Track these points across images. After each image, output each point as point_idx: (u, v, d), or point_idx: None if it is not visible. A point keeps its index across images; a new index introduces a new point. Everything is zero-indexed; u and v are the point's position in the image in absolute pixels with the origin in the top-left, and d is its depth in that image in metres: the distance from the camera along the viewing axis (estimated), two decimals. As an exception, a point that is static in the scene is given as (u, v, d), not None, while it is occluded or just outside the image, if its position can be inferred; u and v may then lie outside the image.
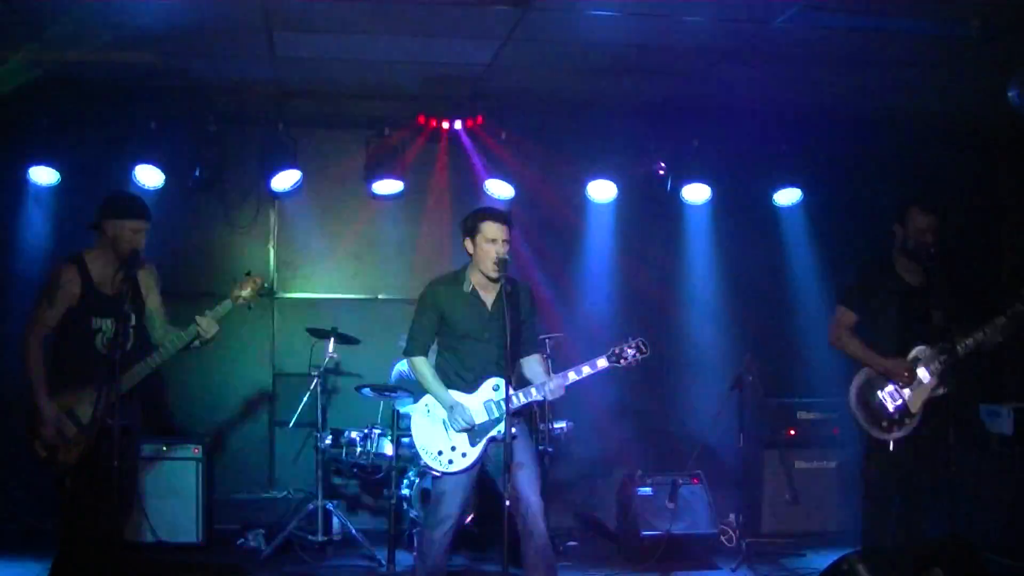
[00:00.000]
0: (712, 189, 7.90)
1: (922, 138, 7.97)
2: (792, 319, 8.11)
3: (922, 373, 5.57)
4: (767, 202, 8.02)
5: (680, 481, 6.88)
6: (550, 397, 5.12)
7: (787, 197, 7.98)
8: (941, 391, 5.55)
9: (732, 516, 7.12)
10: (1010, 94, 5.80)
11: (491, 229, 5.06)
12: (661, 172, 7.89)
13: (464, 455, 5.11)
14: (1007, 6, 5.55)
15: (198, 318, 5.26)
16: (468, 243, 5.13)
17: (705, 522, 6.83)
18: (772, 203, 8.02)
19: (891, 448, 5.55)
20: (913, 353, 5.61)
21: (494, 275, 5.04)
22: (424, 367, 5.19)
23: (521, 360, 5.27)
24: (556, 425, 6.86)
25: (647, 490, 6.88)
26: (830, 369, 6.35)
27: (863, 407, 5.66)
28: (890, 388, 5.61)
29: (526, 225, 7.86)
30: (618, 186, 7.87)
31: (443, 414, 5.14)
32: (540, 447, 6.59)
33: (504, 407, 4.94)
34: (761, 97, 7.47)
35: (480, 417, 5.11)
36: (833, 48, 6.32)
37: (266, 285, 5.71)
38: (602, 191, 7.88)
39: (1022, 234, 8.28)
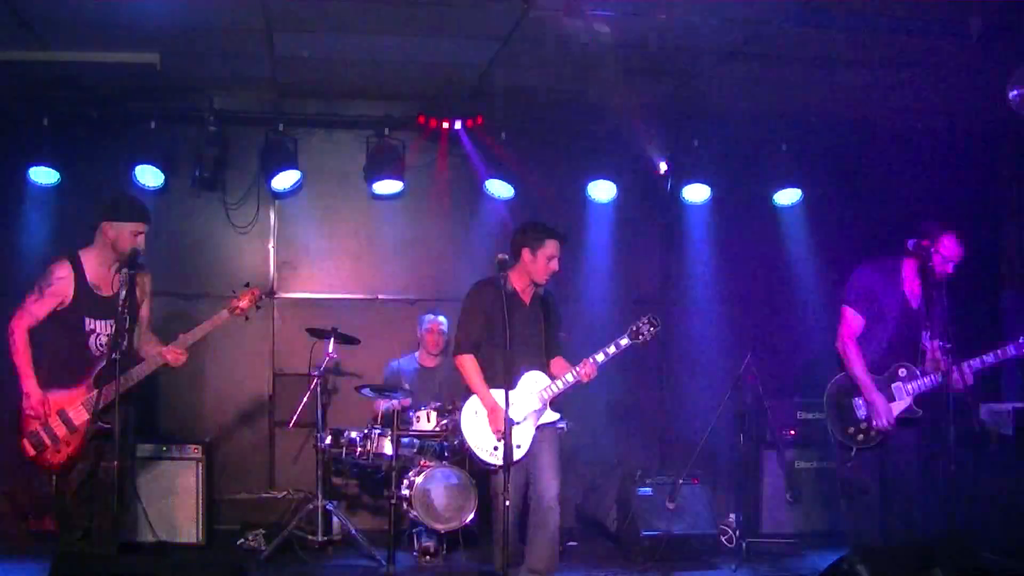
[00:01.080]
0: (712, 189, 7.90)
1: (922, 138, 7.97)
2: (792, 319, 8.11)
3: (900, 391, 5.60)
4: (767, 202, 8.01)
5: (680, 481, 6.88)
6: (585, 380, 5.59)
7: (787, 197, 7.98)
8: (915, 414, 5.58)
9: (732, 516, 7.13)
10: (1010, 94, 5.80)
11: (553, 247, 5.58)
12: (661, 172, 7.89)
13: (519, 447, 5.49)
14: (1007, 6, 5.56)
15: (165, 350, 5.34)
16: (527, 252, 5.59)
17: (705, 522, 6.83)
18: (772, 203, 8.02)
19: (852, 454, 5.60)
20: (897, 369, 5.63)
21: (543, 283, 5.65)
22: (472, 366, 5.58)
23: (550, 360, 5.75)
24: (556, 425, 6.84)
25: (647, 490, 6.88)
26: (830, 369, 6.34)
27: (834, 409, 5.70)
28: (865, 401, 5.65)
29: (526, 225, 7.88)
30: (618, 186, 7.87)
31: None
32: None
33: (547, 395, 5.57)
34: (761, 97, 7.46)
35: (525, 409, 5.53)
36: (833, 48, 6.32)
37: (263, 296, 5.79)
38: (602, 191, 7.88)
39: (1022, 234, 8.28)
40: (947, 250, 5.53)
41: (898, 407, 5.57)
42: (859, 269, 5.77)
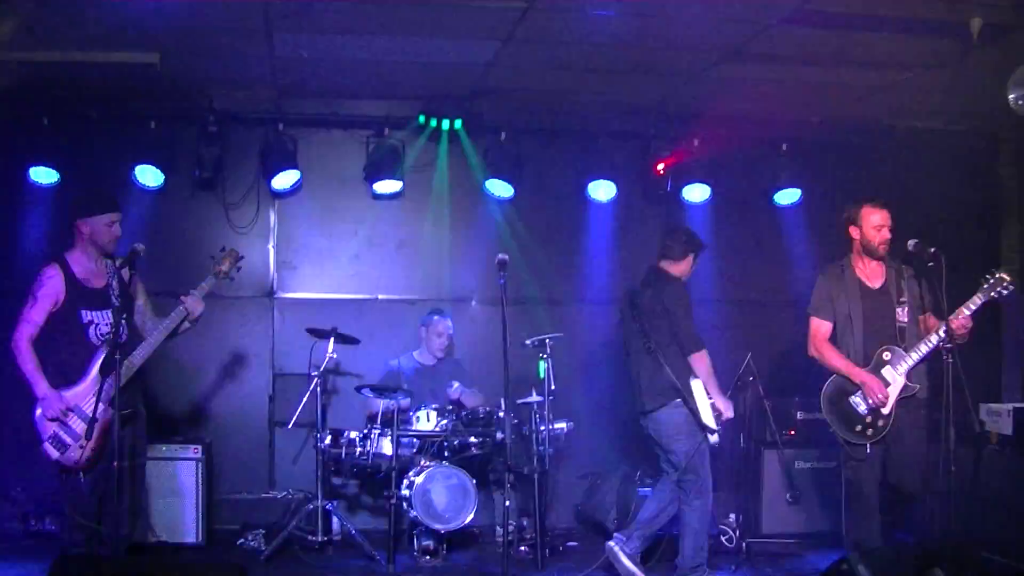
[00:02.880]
0: (712, 189, 7.90)
1: (922, 138, 7.97)
2: (792, 319, 8.08)
3: (890, 374, 5.65)
4: (767, 202, 8.01)
5: (680, 481, 6.87)
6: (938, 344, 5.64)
7: (787, 197, 7.97)
8: (912, 390, 5.63)
9: (732, 516, 7.12)
10: (1010, 95, 5.80)
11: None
12: (661, 172, 7.88)
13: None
14: (1007, 6, 5.56)
15: (183, 298, 5.55)
16: (693, 257, 6.31)
17: (705, 522, 6.83)
18: (772, 203, 8.01)
19: (868, 450, 5.63)
20: (880, 353, 5.69)
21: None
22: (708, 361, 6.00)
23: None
24: (556, 425, 6.85)
25: (647, 490, 6.87)
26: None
27: (835, 413, 5.75)
28: (861, 392, 5.70)
29: (526, 225, 7.88)
30: (618, 186, 7.86)
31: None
32: (540, 448, 6.59)
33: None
34: (761, 97, 7.46)
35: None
36: (833, 48, 6.32)
37: (241, 255, 5.91)
38: (602, 191, 7.88)
39: (1022, 234, 8.28)
40: (872, 220, 5.74)
41: (895, 390, 5.62)
42: (817, 279, 6.00)
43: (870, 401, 5.61)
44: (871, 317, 5.75)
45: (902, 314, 5.69)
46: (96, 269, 5.48)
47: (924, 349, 5.58)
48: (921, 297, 5.71)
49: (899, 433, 5.67)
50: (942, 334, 5.44)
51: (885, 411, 5.62)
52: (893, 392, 5.62)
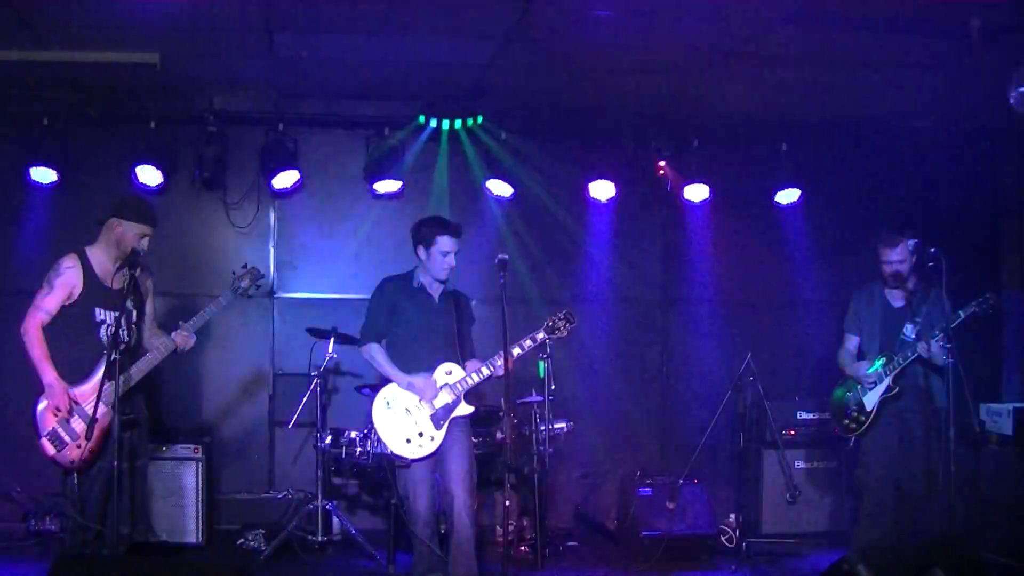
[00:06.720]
0: (712, 189, 7.90)
1: (922, 138, 7.97)
2: (792, 319, 8.12)
3: (880, 376, 6.07)
4: (767, 202, 8.01)
5: (680, 481, 6.88)
6: (501, 373, 5.43)
7: (787, 197, 7.97)
8: (894, 391, 6.01)
9: (732, 516, 7.14)
10: (1011, 95, 5.81)
11: (446, 243, 5.61)
12: (661, 172, 7.89)
13: (432, 438, 5.54)
14: (1007, 6, 5.56)
15: (174, 334, 5.49)
16: (421, 249, 5.65)
17: (705, 522, 6.84)
18: (772, 203, 8.02)
19: (851, 444, 6.23)
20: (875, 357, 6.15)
21: (442, 279, 5.69)
22: (381, 353, 5.68)
23: (466, 362, 5.73)
24: (556, 425, 6.85)
25: (647, 490, 6.89)
26: (830, 370, 6.38)
27: (832, 407, 6.37)
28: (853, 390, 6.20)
29: (526, 225, 7.88)
30: (618, 186, 7.86)
31: (404, 403, 5.57)
32: (540, 448, 6.59)
33: (461, 388, 5.57)
34: (761, 97, 7.46)
35: (441, 400, 5.58)
36: (833, 48, 6.32)
37: (261, 273, 5.94)
38: (602, 191, 7.87)
39: (1022, 234, 8.28)
40: (879, 254, 6.10)
41: (878, 391, 6.05)
42: (851, 296, 6.46)
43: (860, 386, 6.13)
44: (885, 329, 6.14)
45: (909, 331, 6.03)
46: (111, 271, 5.46)
47: (906, 357, 5.97)
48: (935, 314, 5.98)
49: (906, 434, 6.00)
50: (919, 348, 5.90)
51: (868, 408, 6.08)
52: (877, 392, 6.04)
